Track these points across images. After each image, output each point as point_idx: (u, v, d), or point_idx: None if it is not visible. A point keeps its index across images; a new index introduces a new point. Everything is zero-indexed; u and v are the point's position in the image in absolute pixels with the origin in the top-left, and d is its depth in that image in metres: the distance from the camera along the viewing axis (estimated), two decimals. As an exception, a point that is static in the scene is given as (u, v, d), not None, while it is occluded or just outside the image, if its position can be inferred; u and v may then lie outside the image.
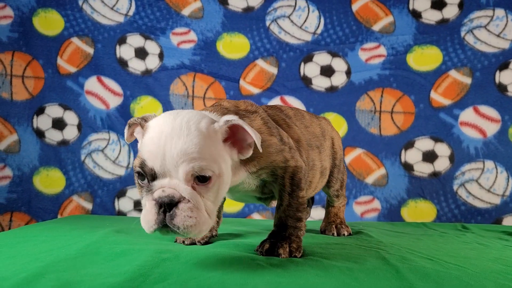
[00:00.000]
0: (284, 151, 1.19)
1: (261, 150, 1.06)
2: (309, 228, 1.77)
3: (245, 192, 1.26)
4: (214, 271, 0.97)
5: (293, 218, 1.21)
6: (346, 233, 1.58)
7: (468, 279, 0.97)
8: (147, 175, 0.96)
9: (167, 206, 0.93)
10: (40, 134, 2.21)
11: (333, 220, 1.64)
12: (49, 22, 2.23)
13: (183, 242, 1.30)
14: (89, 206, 2.21)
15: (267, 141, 1.14)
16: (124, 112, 2.23)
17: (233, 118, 1.03)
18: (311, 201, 1.78)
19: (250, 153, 1.07)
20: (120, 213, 2.22)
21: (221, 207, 1.42)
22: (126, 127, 1.09)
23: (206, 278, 0.92)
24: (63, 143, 2.22)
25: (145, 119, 1.06)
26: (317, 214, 2.22)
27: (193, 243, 1.29)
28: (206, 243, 1.31)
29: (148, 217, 0.94)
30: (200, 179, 0.96)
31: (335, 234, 1.59)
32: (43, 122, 2.21)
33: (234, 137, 1.05)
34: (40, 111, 2.21)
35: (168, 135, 0.95)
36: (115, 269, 0.95)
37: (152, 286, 0.85)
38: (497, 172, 2.21)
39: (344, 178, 1.65)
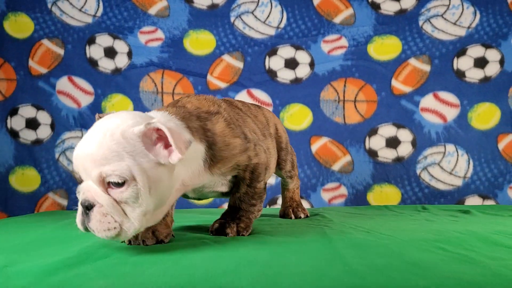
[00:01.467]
0: (248, 149, 1.23)
1: (180, 155, 0.97)
2: (269, 213, 1.85)
3: (212, 188, 1.27)
4: (157, 249, 1.04)
5: (247, 204, 1.29)
6: (302, 216, 1.66)
7: (394, 246, 1.05)
8: (75, 177, 1.00)
9: (86, 208, 0.96)
10: (14, 134, 2.27)
11: (290, 204, 1.72)
12: (19, 25, 2.29)
13: (145, 243, 1.12)
14: (64, 202, 2.27)
15: (231, 144, 1.17)
16: (96, 110, 2.29)
17: (154, 121, 0.97)
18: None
19: (175, 157, 0.98)
20: (95, 208, 2.28)
21: (173, 206, 1.29)
22: None
23: (147, 254, 0.99)
24: (37, 142, 2.28)
25: (101, 117, 1.06)
26: (286, 202, 2.30)
27: (158, 242, 1.13)
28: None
29: (77, 220, 0.98)
30: (115, 184, 0.95)
31: (293, 217, 1.66)
32: (16, 122, 2.27)
33: (165, 139, 0.99)
34: (14, 112, 2.27)
35: (85, 139, 0.97)
36: (63, 250, 1.02)
37: (92, 262, 0.92)
38: (458, 155, 2.30)
39: (294, 158, 1.73)
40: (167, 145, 0.99)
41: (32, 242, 1.11)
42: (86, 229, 0.97)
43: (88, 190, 0.96)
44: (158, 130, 0.98)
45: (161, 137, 0.99)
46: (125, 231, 0.96)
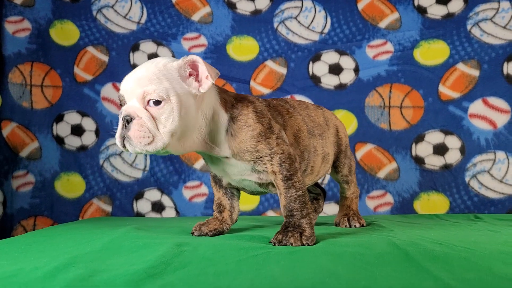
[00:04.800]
0: (269, 138, 1.28)
1: (211, 80, 1.21)
2: (323, 221, 1.82)
3: (241, 176, 1.35)
4: (231, 258, 1.02)
5: (296, 203, 1.27)
6: (357, 225, 1.62)
7: (477, 259, 1.00)
8: (121, 102, 1.23)
9: (126, 122, 1.17)
10: (60, 140, 2.30)
11: (346, 213, 1.69)
12: (65, 33, 2.32)
13: (193, 233, 1.42)
14: (108, 208, 2.28)
15: (250, 125, 1.28)
16: (139, 116, 2.30)
17: (190, 56, 1.23)
18: (323, 195, 1.82)
19: (206, 84, 1.22)
20: (139, 214, 2.29)
21: (235, 206, 1.50)
22: None
23: (223, 264, 0.97)
24: (82, 148, 2.30)
25: None
26: (330, 209, 2.26)
27: (201, 235, 1.40)
28: (214, 235, 1.40)
29: (117, 132, 1.20)
30: (154, 102, 1.17)
31: (347, 226, 1.63)
32: (62, 129, 2.30)
33: (197, 74, 1.24)
34: (59, 118, 2.30)
35: (135, 69, 1.22)
36: (138, 259, 1.01)
37: (173, 272, 0.90)
38: (508, 163, 2.23)
39: (352, 163, 1.71)
40: (197, 79, 1.23)
41: (103, 251, 1.10)
42: (123, 141, 1.19)
43: (130, 107, 1.18)
44: (192, 63, 1.22)
45: (193, 71, 1.23)
46: (155, 142, 1.17)
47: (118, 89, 2.30)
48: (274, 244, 1.21)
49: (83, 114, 2.31)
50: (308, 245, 1.19)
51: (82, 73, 2.32)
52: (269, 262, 0.99)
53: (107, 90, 2.32)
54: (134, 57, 2.33)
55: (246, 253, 1.09)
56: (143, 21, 2.34)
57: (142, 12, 2.34)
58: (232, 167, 1.33)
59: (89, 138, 2.31)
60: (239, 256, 1.05)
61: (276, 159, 1.27)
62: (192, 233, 1.42)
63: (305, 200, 1.27)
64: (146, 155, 2.30)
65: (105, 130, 2.30)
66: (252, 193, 1.48)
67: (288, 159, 1.28)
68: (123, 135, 1.18)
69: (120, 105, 1.24)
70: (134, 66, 2.33)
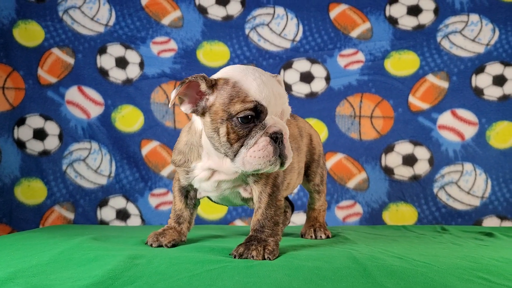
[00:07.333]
0: None
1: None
2: (289, 232, 1.80)
3: (233, 190, 1.32)
4: (184, 273, 0.98)
5: (271, 221, 1.25)
6: (323, 236, 1.60)
7: (433, 275, 0.99)
8: (260, 115, 1.12)
9: (277, 139, 1.12)
10: (21, 144, 2.21)
11: (312, 224, 1.66)
12: (29, 34, 2.24)
13: (151, 245, 1.35)
14: (71, 216, 2.20)
15: None
16: (105, 121, 2.24)
17: (277, 75, 1.26)
18: (292, 208, 1.80)
19: None
20: (103, 222, 2.21)
21: (193, 219, 1.46)
22: (181, 85, 1.17)
23: (174, 280, 0.93)
24: (45, 153, 2.22)
25: (204, 77, 1.20)
26: (299, 219, 2.23)
27: (160, 246, 1.34)
28: (173, 246, 1.35)
29: (267, 151, 1.11)
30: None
31: (313, 237, 1.60)
32: (24, 132, 2.21)
33: None
34: (21, 121, 2.21)
35: (271, 83, 1.15)
36: (85, 273, 0.96)
37: (120, 288, 0.86)
38: (476, 174, 2.24)
39: (324, 173, 1.69)
40: None
41: (50, 264, 1.04)
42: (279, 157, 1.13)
43: (278, 123, 1.13)
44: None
45: None
46: None
47: (83, 93, 2.24)
48: (234, 257, 1.17)
49: (46, 118, 2.23)
50: (270, 259, 1.16)
51: (46, 75, 2.24)
52: (223, 277, 0.95)
53: (72, 93, 2.24)
54: (101, 60, 2.27)
55: (202, 267, 1.05)
56: (111, 23, 2.28)
57: (111, 14, 2.28)
58: (230, 181, 1.29)
59: (52, 143, 2.22)
60: (193, 270, 1.01)
61: (274, 174, 1.27)
62: (151, 245, 1.36)
63: (278, 221, 1.27)
64: (111, 160, 2.24)
65: (69, 135, 2.23)
66: (230, 204, 1.44)
67: (280, 177, 1.29)
68: (279, 152, 1.12)
69: (254, 114, 1.12)
70: (101, 69, 2.26)
